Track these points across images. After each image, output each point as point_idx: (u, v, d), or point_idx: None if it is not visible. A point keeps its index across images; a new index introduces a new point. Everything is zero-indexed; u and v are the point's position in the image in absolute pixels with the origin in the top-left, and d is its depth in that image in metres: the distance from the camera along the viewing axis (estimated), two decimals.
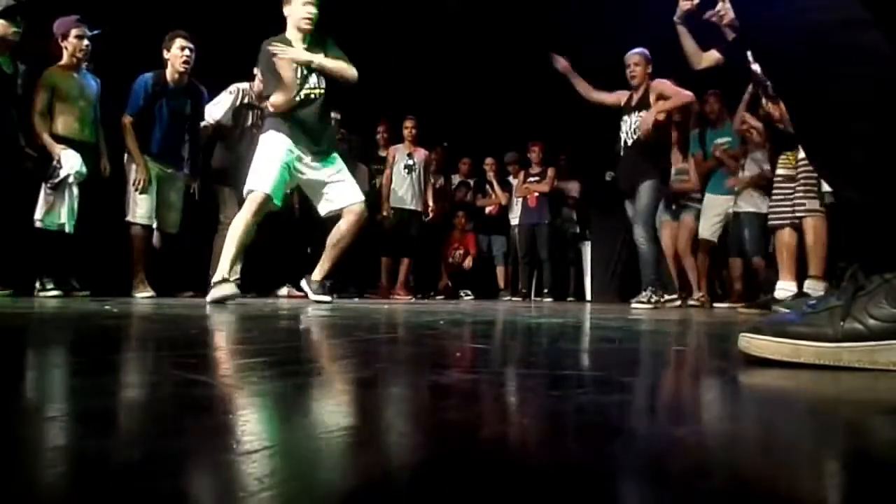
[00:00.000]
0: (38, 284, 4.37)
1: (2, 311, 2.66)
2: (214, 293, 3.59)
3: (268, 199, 3.79)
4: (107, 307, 2.94)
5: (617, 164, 5.15)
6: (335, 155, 4.16)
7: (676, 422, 0.67)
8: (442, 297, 7.74)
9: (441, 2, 4.57)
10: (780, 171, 4.02)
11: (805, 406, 0.80)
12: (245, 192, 3.84)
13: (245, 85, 5.40)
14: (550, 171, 7.86)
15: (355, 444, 0.53)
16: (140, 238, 4.79)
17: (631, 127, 4.89)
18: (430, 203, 7.25)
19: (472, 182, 8.56)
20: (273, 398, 0.75)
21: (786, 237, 3.92)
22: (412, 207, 7.08)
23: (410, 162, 7.05)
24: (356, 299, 5.94)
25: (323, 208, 4.12)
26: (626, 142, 4.92)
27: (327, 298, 4.08)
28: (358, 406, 0.73)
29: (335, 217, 4.12)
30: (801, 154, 3.69)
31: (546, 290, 7.88)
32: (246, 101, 5.38)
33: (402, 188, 7.04)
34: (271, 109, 3.97)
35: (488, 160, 8.29)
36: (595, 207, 8.26)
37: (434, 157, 7.58)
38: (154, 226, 4.93)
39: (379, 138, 7.38)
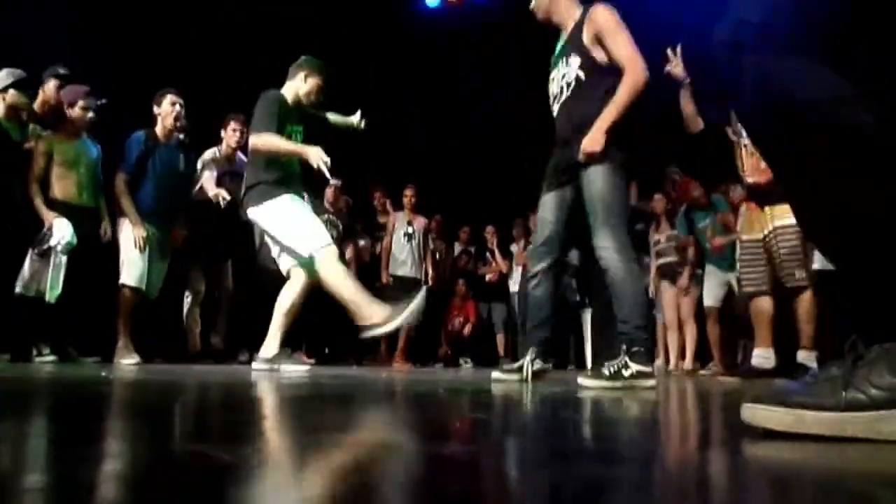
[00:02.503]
0: (34, 350, 4.32)
1: None
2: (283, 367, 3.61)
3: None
4: (103, 374, 2.91)
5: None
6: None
7: (681, 497, 0.66)
8: (442, 364, 7.67)
9: None
10: (752, 234, 3.90)
11: (812, 479, 0.79)
12: (308, 254, 3.63)
13: (213, 152, 5.34)
14: None
15: None
16: (129, 301, 4.66)
17: (561, 73, 3.07)
18: (430, 270, 7.28)
19: (472, 250, 8.61)
20: (270, 469, 0.74)
21: (766, 305, 3.84)
22: (412, 275, 7.10)
23: (410, 230, 7.12)
24: (354, 367, 5.88)
25: (284, 263, 3.87)
26: (556, 96, 3.12)
27: (303, 367, 3.87)
28: (356, 478, 0.72)
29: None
30: (779, 222, 3.68)
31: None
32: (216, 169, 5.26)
33: (402, 255, 7.07)
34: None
35: (489, 228, 8.36)
36: (596, 275, 8.27)
37: (433, 224, 7.65)
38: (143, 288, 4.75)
39: (376, 204, 7.47)
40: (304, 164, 3.83)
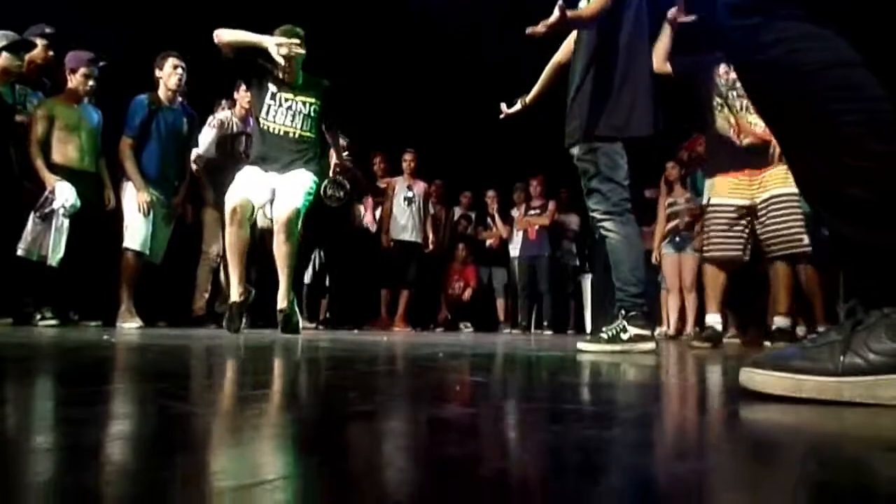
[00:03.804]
0: (37, 315, 4.33)
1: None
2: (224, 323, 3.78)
3: (234, 209, 3.74)
4: (105, 337, 2.93)
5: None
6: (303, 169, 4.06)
7: (677, 459, 0.67)
8: (441, 329, 7.72)
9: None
10: (734, 201, 3.81)
11: (808, 442, 0.79)
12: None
13: (226, 114, 5.45)
14: (551, 205, 7.91)
15: (352, 479, 0.53)
16: (132, 265, 4.65)
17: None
18: (430, 235, 7.29)
19: (473, 215, 8.59)
20: (271, 431, 0.75)
21: (720, 271, 3.81)
22: (412, 239, 7.10)
23: (410, 194, 7.10)
24: (354, 332, 5.91)
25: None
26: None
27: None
28: (356, 440, 0.72)
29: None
30: (777, 190, 3.64)
31: (546, 323, 7.86)
32: (232, 130, 5.40)
33: (403, 220, 7.07)
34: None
35: (489, 193, 8.33)
36: (595, 240, 8.27)
37: (433, 189, 7.63)
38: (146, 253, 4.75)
39: (376, 169, 7.44)
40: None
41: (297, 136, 4.02)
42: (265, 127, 4.02)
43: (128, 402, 1.00)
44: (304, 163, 4.01)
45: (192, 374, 1.56)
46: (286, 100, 4.00)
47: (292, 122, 4.01)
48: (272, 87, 4.00)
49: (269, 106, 4.00)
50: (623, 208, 2.79)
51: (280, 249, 3.75)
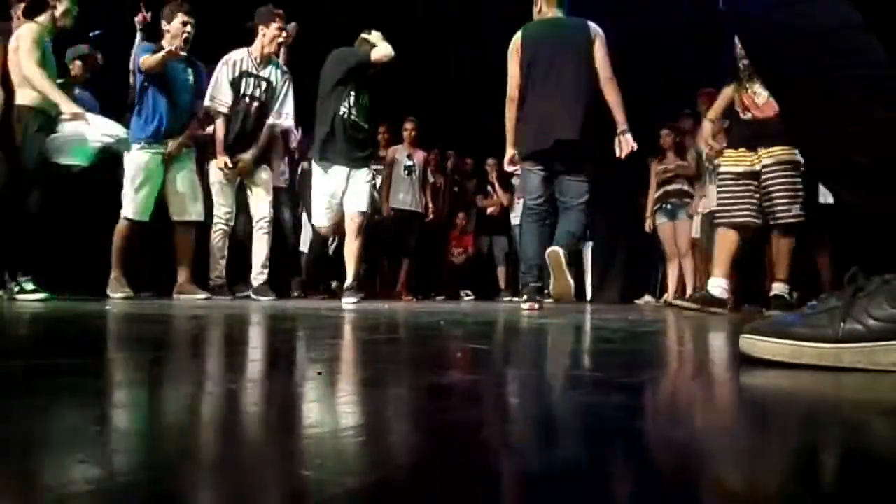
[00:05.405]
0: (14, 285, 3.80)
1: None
2: (350, 299, 4.23)
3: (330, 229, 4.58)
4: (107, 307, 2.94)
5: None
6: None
7: (675, 424, 0.67)
8: (442, 297, 7.74)
9: None
10: (736, 169, 3.76)
11: (806, 407, 0.80)
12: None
13: (239, 54, 4.85)
14: None
15: (355, 445, 0.53)
16: (124, 233, 4.39)
17: None
18: (430, 204, 7.28)
19: (473, 182, 8.57)
20: (274, 399, 0.75)
21: (733, 236, 3.79)
22: (412, 208, 7.09)
23: (410, 163, 7.07)
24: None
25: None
26: None
27: (353, 299, 4.33)
28: (358, 407, 0.73)
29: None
30: (771, 159, 3.61)
31: (547, 291, 7.87)
32: (242, 69, 4.84)
33: (403, 189, 7.05)
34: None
35: (490, 161, 8.29)
36: (596, 208, 8.25)
37: (432, 157, 7.60)
38: (145, 219, 4.47)
39: (380, 139, 7.39)
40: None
41: (365, 124, 4.49)
42: (347, 120, 4.36)
43: (117, 371, 1.00)
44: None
45: (197, 342, 1.57)
46: (362, 95, 4.44)
47: (364, 114, 4.48)
48: (351, 89, 4.39)
49: (349, 104, 4.38)
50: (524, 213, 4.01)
51: (350, 246, 4.45)
